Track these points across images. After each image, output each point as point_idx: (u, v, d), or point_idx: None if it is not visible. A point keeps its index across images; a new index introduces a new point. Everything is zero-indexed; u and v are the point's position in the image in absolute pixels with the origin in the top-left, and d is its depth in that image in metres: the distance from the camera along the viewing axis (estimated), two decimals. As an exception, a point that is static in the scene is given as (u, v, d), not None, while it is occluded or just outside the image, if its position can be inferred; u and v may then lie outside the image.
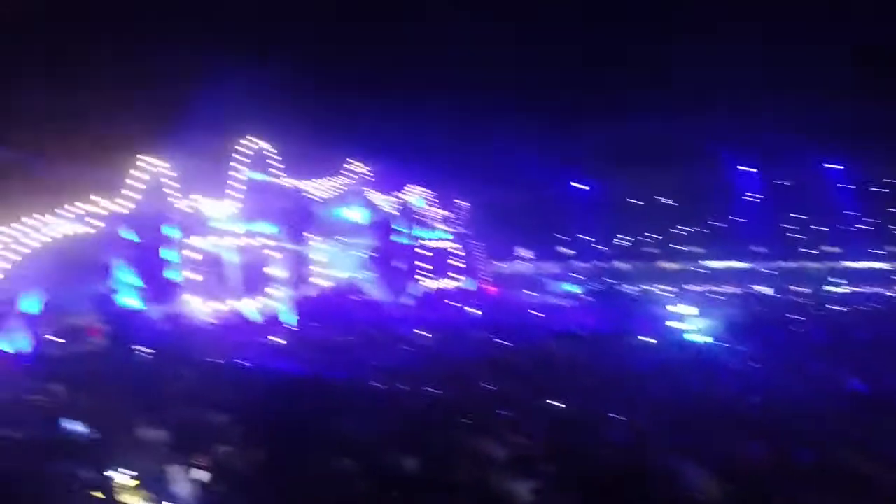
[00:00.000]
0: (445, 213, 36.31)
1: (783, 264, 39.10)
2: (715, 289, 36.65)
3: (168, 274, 21.47)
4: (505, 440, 10.10)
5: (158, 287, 20.94)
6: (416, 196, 34.42)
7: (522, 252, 40.10)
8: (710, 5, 26.84)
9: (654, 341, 21.36)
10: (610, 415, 11.79)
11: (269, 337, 20.47)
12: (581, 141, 34.24)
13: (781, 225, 40.17)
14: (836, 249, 39.56)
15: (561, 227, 41.79)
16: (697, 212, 40.42)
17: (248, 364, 16.90)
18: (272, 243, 25.66)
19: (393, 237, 32.31)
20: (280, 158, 26.27)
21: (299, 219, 27.00)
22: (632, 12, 28.03)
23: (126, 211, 20.62)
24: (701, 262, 40.35)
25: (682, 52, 28.16)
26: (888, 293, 35.48)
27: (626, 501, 7.97)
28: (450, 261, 35.63)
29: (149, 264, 20.90)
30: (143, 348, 17.22)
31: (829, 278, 37.72)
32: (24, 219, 18.36)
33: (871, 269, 38.27)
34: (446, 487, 8.35)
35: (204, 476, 8.80)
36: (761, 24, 27.37)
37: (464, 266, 36.01)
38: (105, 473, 9.02)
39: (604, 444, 10.33)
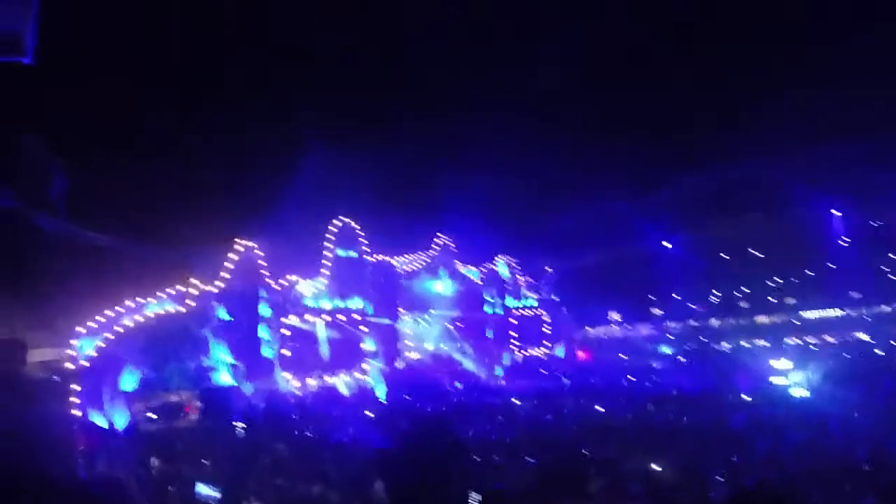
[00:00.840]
0: (532, 280, 35.86)
1: (882, 309, 36.76)
2: (813, 340, 34.71)
3: (261, 351, 21.74)
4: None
5: (252, 363, 21.20)
6: (503, 264, 34.19)
7: (613, 315, 38.96)
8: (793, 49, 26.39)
9: (751, 399, 20.64)
10: (713, 476, 11.28)
11: (363, 411, 20.31)
12: (667, 195, 33.57)
13: (880, 267, 37.96)
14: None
15: (652, 288, 40.46)
16: (790, 262, 38.63)
17: (342, 438, 16.76)
18: (362, 318, 25.76)
19: (482, 307, 32.04)
20: (368, 235, 26.61)
21: (389, 293, 27.12)
22: (720, 64, 27.80)
23: (220, 290, 21.10)
24: (797, 314, 38.36)
25: (766, 101, 27.64)
26: None
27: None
28: (542, 328, 35.03)
29: (243, 342, 21.21)
30: (238, 423, 17.32)
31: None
32: (123, 300, 19.00)
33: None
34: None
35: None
36: (844, 68, 26.72)
37: (553, 332, 35.29)
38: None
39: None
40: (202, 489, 10.62)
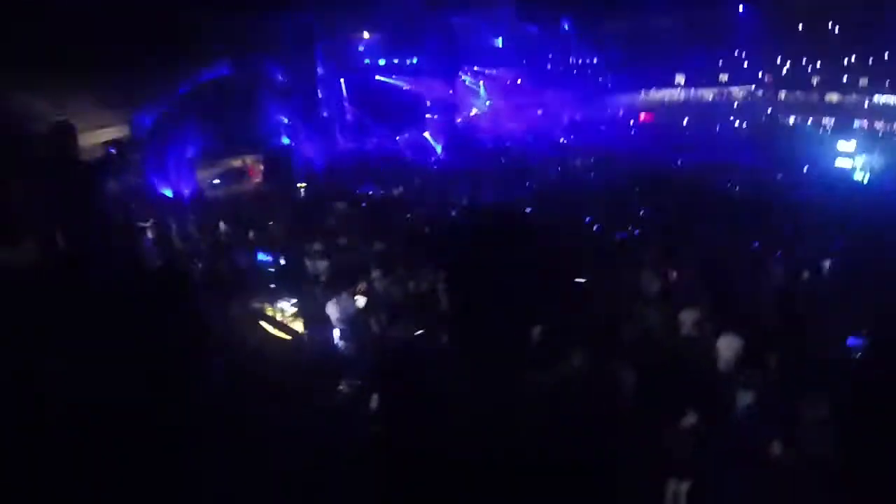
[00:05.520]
0: (595, 38, 34.12)
1: None
2: (881, 125, 32.89)
3: (320, 111, 21.72)
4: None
5: (312, 124, 21.18)
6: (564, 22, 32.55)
7: (679, 79, 37.01)
8: None
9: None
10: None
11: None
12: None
13: None
14: None
15: (720, 54, 37.85)
16: (869, 40, 35.37)
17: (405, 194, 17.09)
18: (420, 75, 25.47)
19: (545, 64, 31.10)
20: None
21: (448, 49, 26.38)
22: None
23: (276, 52, 20.52)
24: (870, 96, 35.92)
25: None
26: None
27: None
28: (604, 87, 34.00)
29: (301, 103, 21.07)
30: (300, 184, 17.59)
31: None
32: (179, 70, 18.42)
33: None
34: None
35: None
36: None
37: (615, 92, 34.23)
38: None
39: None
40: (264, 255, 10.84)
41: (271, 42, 20.42)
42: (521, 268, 8.47)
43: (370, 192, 17.32)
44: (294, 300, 9.16)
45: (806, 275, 10.28)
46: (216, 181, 18.54)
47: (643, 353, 7.37)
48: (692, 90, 37.43)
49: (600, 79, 34.34)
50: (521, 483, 4.91)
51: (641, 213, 14.82)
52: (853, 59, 36.20)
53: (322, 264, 10.19)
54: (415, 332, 8.04)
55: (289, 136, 20.48)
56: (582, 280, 9.74)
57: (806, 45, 36.73)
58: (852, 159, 25.64)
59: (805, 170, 22.96)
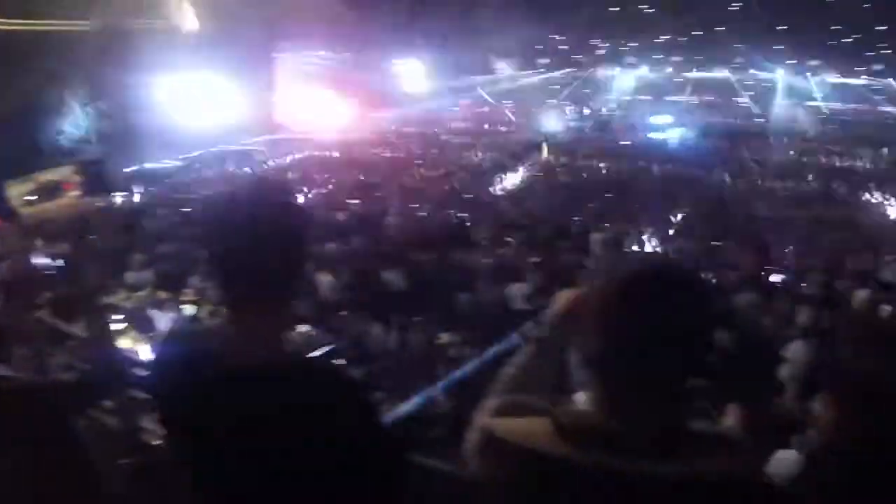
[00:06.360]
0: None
1: (764, 75, 38.16)
2: (693, 99, 36.41)
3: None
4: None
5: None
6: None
7: (499, 64, 38.40)
8: None
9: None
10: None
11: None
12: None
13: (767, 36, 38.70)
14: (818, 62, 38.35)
15: (541, 37, 39.49)
16: (680, 18, 38.64)
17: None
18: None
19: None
20: None
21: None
22: None
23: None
24: (682, 73, 39.38)
25: None
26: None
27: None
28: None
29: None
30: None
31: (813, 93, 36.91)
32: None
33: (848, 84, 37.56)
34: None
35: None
36: None
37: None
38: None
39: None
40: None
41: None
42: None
43: (192, 197, 17.06)
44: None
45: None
46: (30, 197, 17.70)
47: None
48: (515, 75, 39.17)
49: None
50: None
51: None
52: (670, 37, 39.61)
53: (145, 274, 10.21)
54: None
55: (103, 145, 19.71)
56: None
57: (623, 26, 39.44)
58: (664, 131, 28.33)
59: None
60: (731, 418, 6.14)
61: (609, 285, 1.43)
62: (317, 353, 7.29)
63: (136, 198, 17.99)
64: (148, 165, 20.69)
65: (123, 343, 8.85)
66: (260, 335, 1.59)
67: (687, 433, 1.41)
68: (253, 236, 1.57)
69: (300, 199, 15.02)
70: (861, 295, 9.56)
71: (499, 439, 1.47)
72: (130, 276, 10.26)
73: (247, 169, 22.13)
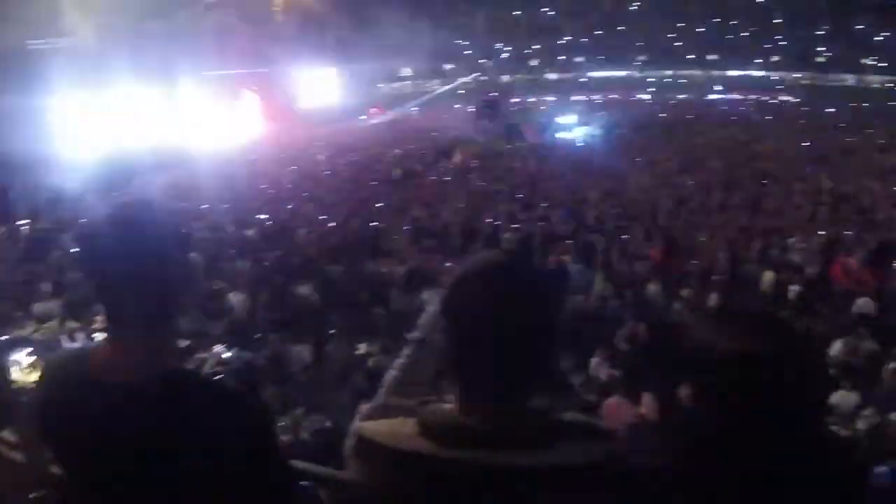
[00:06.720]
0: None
1: (664, 72, 39.29)
2: (597, 97, 37.27)
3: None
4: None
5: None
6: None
7: (405, 71, 38.77)
8: None
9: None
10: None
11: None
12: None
13: (666, 35, 40.08)
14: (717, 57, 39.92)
15: (445, 43, 40.10)
16: (582, 21, 39.75)
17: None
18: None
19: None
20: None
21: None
22: None
23: None
24: (585, 73, 40.36)
25: None
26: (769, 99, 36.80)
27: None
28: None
29: None
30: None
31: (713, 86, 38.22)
32: None
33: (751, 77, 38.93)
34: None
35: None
36: None
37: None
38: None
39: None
40: None
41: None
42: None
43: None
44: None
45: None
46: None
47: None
48: (421, 82, 39.49)
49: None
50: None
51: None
52: (572, 39, 40.45)
53: (53, 304, 10.02)
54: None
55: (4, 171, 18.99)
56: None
57: (526, 30, 40.24)
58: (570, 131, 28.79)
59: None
60: (645, 407, 6.42)
61: (451, 283, 1.45)
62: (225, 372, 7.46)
63: (42, 224, 17.36)
64: (52, 191, 20.00)
65: (32, 376, 8.74)
66: (137, 354, 1.61)
67: (548, 424, 1.45)
68: (122, 256, 1.59)
69: (195, 217, 14.92)
70: (768, 276, 10.11)
71: (367, 441, 1.50)
72: (38, 307, 10.04)
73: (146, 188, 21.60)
